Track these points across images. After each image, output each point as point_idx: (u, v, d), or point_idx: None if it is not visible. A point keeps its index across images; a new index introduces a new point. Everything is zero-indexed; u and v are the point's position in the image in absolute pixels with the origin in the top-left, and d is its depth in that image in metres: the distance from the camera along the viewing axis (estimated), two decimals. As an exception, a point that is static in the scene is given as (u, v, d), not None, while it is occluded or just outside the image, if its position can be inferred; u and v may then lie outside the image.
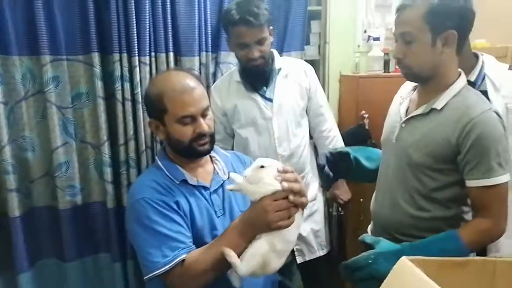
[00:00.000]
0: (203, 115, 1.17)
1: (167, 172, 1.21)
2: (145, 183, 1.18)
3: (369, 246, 1.12)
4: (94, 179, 1.84)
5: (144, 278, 1.13)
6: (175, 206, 1.15)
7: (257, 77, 1.73)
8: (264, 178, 1.02)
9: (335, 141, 1.88)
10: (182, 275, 1.08)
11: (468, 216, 1.17)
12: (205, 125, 1.17)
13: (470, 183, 1.08)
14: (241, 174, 1.12)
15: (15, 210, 1.68)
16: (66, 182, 1.77)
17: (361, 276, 1.07)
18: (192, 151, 1.19)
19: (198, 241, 1.15)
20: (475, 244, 1.09)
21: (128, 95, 1.75)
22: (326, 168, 1.32)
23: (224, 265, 1.05)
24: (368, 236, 1.16)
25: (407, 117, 1.19)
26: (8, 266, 1.74)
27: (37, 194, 1.78)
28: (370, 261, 1.06)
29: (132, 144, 1.79)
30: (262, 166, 1.03)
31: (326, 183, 1.38)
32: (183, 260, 1.09)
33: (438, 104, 1.12)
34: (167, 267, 1.08)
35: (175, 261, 1.08)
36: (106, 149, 1.77)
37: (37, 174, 1.76)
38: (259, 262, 1.02)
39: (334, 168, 1.32)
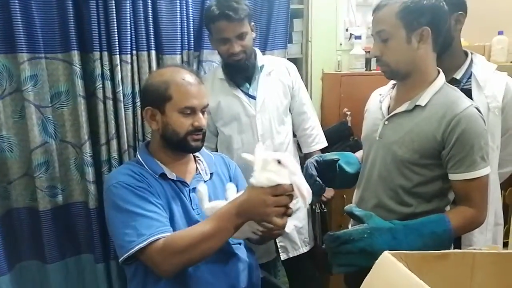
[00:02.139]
0: (202, 111, 1.21)
1: (145, 166, 1.21)
2: (121, 171, 1.20)
3: (357, 219, 1.14)
4: (76, 179, 1.80)
5: (120, 261, 1.11)
6: (151, 190, 1.15)
7: (239, 73, 1.74)
8: (275, 170, 1.02)
9: (318, 139, 1.90)
10: (163, 250, 1.06)
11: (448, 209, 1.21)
12: (203, 120, 1.21)
13: (455, 176, 1.12)
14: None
15: (-7, 212, 1.64)
16: (46, 182, 1.73)
17: (352, 249, 1.07)
18: (184, 145, 1.21)
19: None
20: (460, 230, 1.14)
21: (109, 93, 1.72)
22: (317, 178, 1.30)
23: (211, 242, 1.05)
24: (356, 208, 1.16)
25: (390, 115, 1.21)
26: (-14, 270, 1.69)
27: (16, 195, 1.73)
28: (365, 235, 1.06)
29: (114, 143, 1.77)
30: (279, 162, 1.02)
31: (319, 194, 1.33)
32: (163, 239, 1.07)
33: (422, 101, 1.15)
34: (142, 244, 1.06)
35: (151, 238, 1.06)
36: (87, 149, 1.74)
37: (16, 174, 1.72)
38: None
39: (320, 177, 1.31)
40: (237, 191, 1.27)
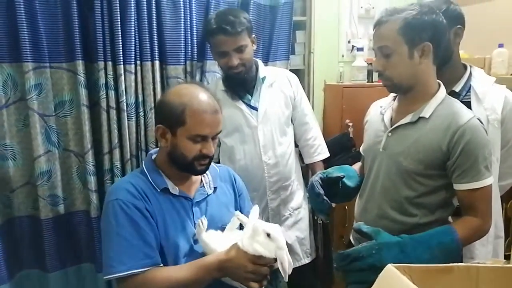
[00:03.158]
0: (213, 138, 1.20)
1: (150, 178, 1.21)
2: (122, 185, 1.19)
3: (365, 235, 1.14)
4: (78, 188, 1.81)
5: (104, 277, 1.14)
6: (146, 213, 1.15)
7: (239, 85, 1.75)
8: (262, 242, 1.07)
9: (320, 149, 1.90)
10: (137, 287, 1.10)
11: (451, 220, 1.21)
12: (213, 148, 1.20)
13: (460, 186, 1.13)
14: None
15: (-5, 220, 1.64)
16: (49, 191, 1.74)
17: (362, 266, 1.07)
18: (190, 168, 1.21)
19: (172, 251, 1.16)
20: (467, 240, 1.15)
21: (113, 103, 1.74)
22: (324, 197, 1.30)
23: None
24: (364, 225, 1.16)
25: (394, 126, 1.22)
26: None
27: (18, 203, 1.74)
28: (374, 252, 1.07)
29: (117, 152, 1.77)
30: (268, 235, 1.07)
31: (327, 212, 1.34)
32: (142, 274, 1.10)
33: (426, 113, 1.17)
34: (120, 274, 1.09)
35: (130, 271, 1.09)
36: (90, 158, 1.74)
37: (18, 183, 1.72)
38: None
39: (325, 194, 1.32)
40: (241, 204, 1.34)
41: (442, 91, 1.20)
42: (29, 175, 1.74)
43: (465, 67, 1.41)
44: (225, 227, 1.22)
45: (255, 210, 1.19)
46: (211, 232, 1.17)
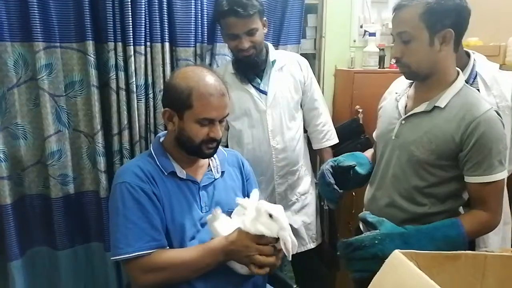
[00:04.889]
0: (220, 121, 1.20)
1: (157, 162, 1.22)
2: (130, 168, 1.20)
3: (369, 225, 1.14)
4: (87, 168, 1.83)
5: (111, 259, 1.17)
6: (153, 196, 1.16)
7: (249, 68, 1.74)
8: (265, 223, 1.08)
9: (329, 135, 1.89)
10: (143, 268, 1.12)
11: (461, 211, 1.20)
12: (220, 131, 1.20)
13: (471, 179, 1.12)
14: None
15: (7, 198, 1.66)
16: (59, 170, 1.76)
17: (364, 255, 1.08)
18: (198, 152, 1.21)
19: (178, 234, 1.18)
20: (474, 234, 1.14)
21: (122, 84, 1.74)
22: (335, 186, 1.29)
23: (189, 271, 1.13)
24: (369, 215, 1.16)
25: (407, 114, 1.20)
26: (-1, 253, 1.73)
27: (29, 182, 1.76)
28: (376, 242, 1.07)
29: (126, 134, 1.78)
30: (270, 216, 1.08)
31: (337, 201, 1.34)
32: (148, 256, 1.12)
33: (441, 102, 1.14)
34: (127, 255, 1.11)
35: (137, 253, 1.11)
36: (99, 139, 1.76)
37: (29, 162, 1.74)
38: None
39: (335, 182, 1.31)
40: (249, 189, 1.35)
41: (461, 80, 1.16)
42: (40, 154, 1.76)
43: (467, 54, 1.38)
44: (231, 212, 1.23)
45: (255, 193, 1.20)
46: (222, 218, 1.18)
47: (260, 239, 1.09)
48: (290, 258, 1.09)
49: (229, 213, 1.22)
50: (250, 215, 1.12)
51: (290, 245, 1.08)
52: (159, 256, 1.13)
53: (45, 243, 1.83)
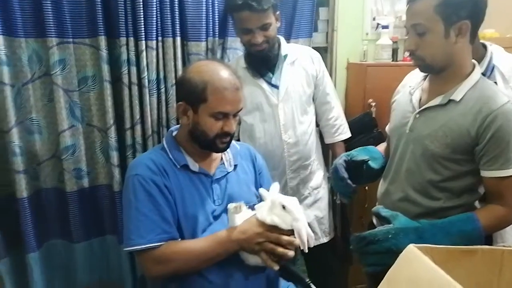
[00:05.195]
0: (234, 115, 1.21)
1: (170, 155, 1.23)
2: (143, 161, 1.22)
3: (383, 219, 1.13)
4: (101, 162, 1.85)
5: (124, 249, 1.18)
6: (164, 189, 1.17)
7: (261, 62, 1.73)
8: (279, 214, 1.09)
9: (341, 129, 1.88)
10: (154, 259, 1.14)
11: (477, 205, 1.18)
12: (234, 125, 1.21)
13: (487, 173, 1.10)
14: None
15: (23, 191, 1.69)
16: (73, 165, 1.78)
17: (378, 249, 1.07)
18: (212, 146, 1.22)
19: (190, 227, 1.19)
20: (490, 229, 1.12)
21: (134, 79, 1.75)
22: (349, 180, 1.29)
23: (200, 262, 1.13)
24: (383, 209, 1.15)
25: (422, 108, 1.18)
26: (17, 246, 1.76)
27: (45, 176, 1.79)
28: (390, 236, 1.06)
29: (138, 128, 1.80)
30: (284, 207, 1.09)
31: (351, 196, 1.34)
32: (158, 248, 1.13)
33: (457, 95, 1.11)
34: (139, 247, 1.13)
35: (149, 244, 1.13)
36: (112, 133, 1.77)
37: (44, 156, 1.77)
38: None
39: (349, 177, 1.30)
40: (261, 182, 1.35)
41: (477, 72, 1.13)
42: (55, 149, 1.78)
43: (484, 46, 1.34)
44: (252, 206, 1.23)
45: (275, 186, 1.19)
46: (244, 211, 1.18)
47: (272, 229, 1.09)
48: (306, 250, 1.09)
49: (251, 207, 1.22)
50: (265, 207, 1.12)
51: (305, 237, 1.07)
52: (170, 248, 1.14)
53: (61, 236, 1.86)
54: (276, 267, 1.13)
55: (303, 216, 1.10)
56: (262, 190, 1.20)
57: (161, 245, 1.14)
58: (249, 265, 1.18)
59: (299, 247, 1.85)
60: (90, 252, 1.90)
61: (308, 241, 1.09)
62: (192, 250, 1.14)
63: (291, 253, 1.11)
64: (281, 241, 1.10)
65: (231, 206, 1.16)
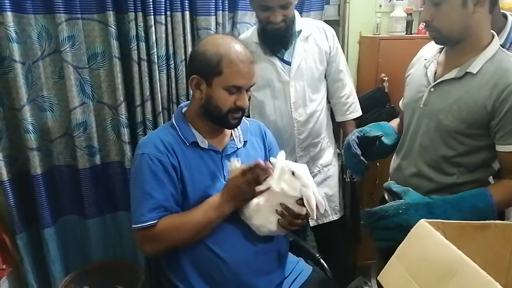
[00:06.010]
0: (247, 90, 1.20)
1: (179, 132, 1.22)
2: (151, 139, 1.22)
3: (394, 195, 1.12)
4: (112, 139, 1.86)
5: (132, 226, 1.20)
6: (170, 168, 1.18)
7: (276, 41, 1.68)
8: (288, 181, 1.10)
9: (353, 107, 1.84)
10: (151, 237, 1.16)
11: (491, 181, 1.16)
12: (247, 100, 1.21)
13: (502, 148, 1.07)
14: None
15: (37, 168, 1.73)
16: (85, 142, 1.80)
17: (388, 224, 1.07)
18: (224, 121, 1.21)
19: (201, 203, 1.20)
20: (504, 204, 1.10)
21: (143, 55, 1.73)
22: (361, 157, 1.27)
23: (192, 232, 1.15)
24: (394, 185, 1.15)
25: (437, 81, 1.15)
26: (33, 221, 1.81)
27: (57, 153, 1.82)
28: (400, 211, 1.06)
29: (148, 105, 1.79)
30: (293, 173, 1.10)
31: (363, 172, 1.32)
32: (155, 226, 1.15)
33: (473, 68, 1.07)
34: (140, 225, 1.15)
35: (149, 222, 1.14)
36: (123, 110, 1.78)
37: (57, 133, 1.79)
38: None
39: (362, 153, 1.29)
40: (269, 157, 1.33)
41: (495, 43, 1.09)
42: (67, 126, 1.80)
43: (505, 16, 1.28)
44: None
45: (282, 154, 1.19)
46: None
47: (248, 171, 1.13)
48: (314, 217, 1.10)
49: None
50: (275, 174, 1.12)
51: (314, 203, 1.07)
52: (161, 223, 1.16)
53: (75, 211, 1.91)
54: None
55: (312, 183, 1.10)
56: (271, 158, 1.20)
57: (156, 223, 1.15)
58: (259, 236, 1.19)
59: (309, 225, 1.85)
60: (103, 227, 1.94)
61: (318, 208, 1.09)
62: (183, 221, 1.16)
63: (303, 222, 1.15)
64: (259, 176, 1.14)
65: (228, 165, 1.19)
